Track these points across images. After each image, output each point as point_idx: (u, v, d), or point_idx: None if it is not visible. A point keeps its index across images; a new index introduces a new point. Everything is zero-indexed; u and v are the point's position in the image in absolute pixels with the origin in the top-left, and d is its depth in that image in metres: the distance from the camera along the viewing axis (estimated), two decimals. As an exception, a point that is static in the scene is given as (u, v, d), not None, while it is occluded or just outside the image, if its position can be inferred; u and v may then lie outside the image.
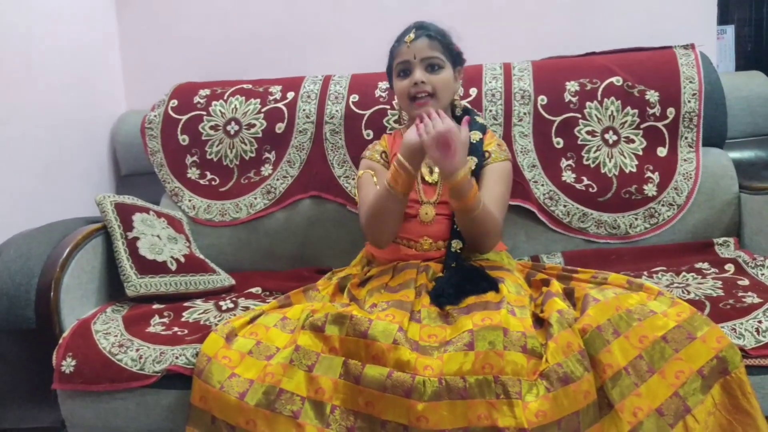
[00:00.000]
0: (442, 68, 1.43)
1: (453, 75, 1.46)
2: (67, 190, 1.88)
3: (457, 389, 1.01)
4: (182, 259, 1.59)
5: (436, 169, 1.44)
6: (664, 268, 1.51)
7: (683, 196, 1.68)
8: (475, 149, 1.44)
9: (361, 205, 1.45)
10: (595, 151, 1.71)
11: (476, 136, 1.46)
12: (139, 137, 1.95)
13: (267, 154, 1.85)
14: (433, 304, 1.22)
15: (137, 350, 1.28)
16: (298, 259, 1.82)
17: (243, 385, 1.12)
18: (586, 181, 1.70)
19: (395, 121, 1.76)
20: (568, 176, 1.71)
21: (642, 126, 1.71)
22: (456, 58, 1.47)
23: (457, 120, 1.52)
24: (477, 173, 1.42)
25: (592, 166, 1.71)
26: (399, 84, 1.44)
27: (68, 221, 1.58)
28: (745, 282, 1.37)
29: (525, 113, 1.75)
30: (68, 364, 1.27)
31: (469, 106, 1.71)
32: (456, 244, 1.38)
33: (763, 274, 1.40)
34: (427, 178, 1.46)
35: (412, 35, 1.41)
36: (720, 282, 1.38)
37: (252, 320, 1.29)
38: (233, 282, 1.67)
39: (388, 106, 1.79)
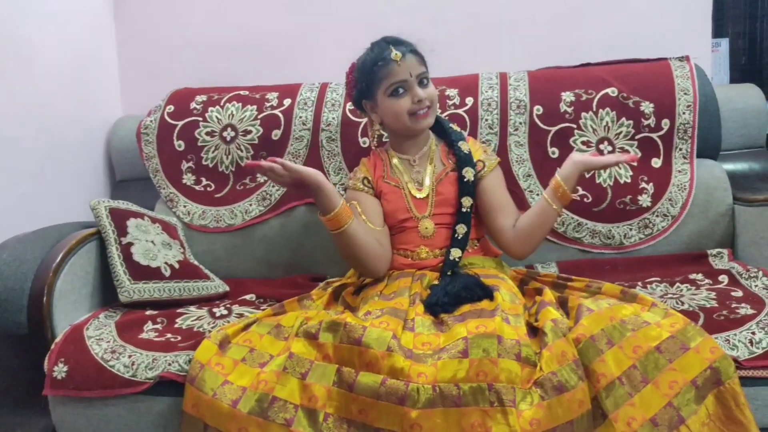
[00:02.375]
0: (429, 81, 1.44)
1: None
2: (61, 194, 1.87)
3: (451, 397, 1.00)
4: (176, 265, 1.59)
5: (426, 183, 1.46)
6: (658, 279, 1.52)
7: (677, 207, 1.69)
8: (469, 160, 1.46)
9: None
10: (590, 162, 1.72)
11: (465, 146, 1.47)
12: (134, 142, 1.95)
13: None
14: (428, 312, 1.22)
15: (130, 356, 1.27)
16: (293, 265, 1.82)
17: (236, 392, 1.11)
18: (580, 191, 1.70)
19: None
20: (564, 186, 1.71)
21: (637, 137, 1.72)
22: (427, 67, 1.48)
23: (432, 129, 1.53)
24: (474, 184, 1.44)
25: (587, 176, 1.71)
26: (396, 103, 1.42)
27: (62, 226, 1.57)
28: (739, 293, 1.37)
29: (521, 123, 1.75)
30: (60, 370, 1.26)
31: (461, 115, 1.72)
32: (455, 253, 1.39)
33: (756, 286, 1.40)
34: (416, 194, 1.46)
35: (398, 53, 1.40)
36: (714, 293, 1.38)
37: (246, 327, 1.28)
38: (227, 288, 1.67)
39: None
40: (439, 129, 1.53)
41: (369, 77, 1.44)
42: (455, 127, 1.54)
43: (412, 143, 1.50)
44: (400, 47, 1.41)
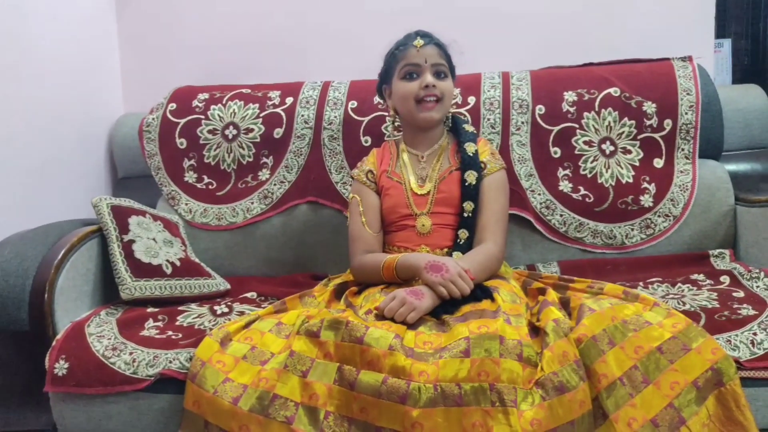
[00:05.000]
0: (447, 77, 1.46)
1: (453, 85, 1.48)
2: (63, 191, 1.87)
3: (453, 396, 1.00)
4: (178, 263, 1.59)
5: (429, 180, 1.47)
6: (660, 279, 1.52)
7: (679, 207, 1.69)
8: (474, 162, 1.46)
9: (351, 239, 1.48)
10: (592, 161, 1.72)
11: (471, 148, 1.47)
12: (136, 140, 1.95)
13: (265, 159, 1.85)
14: (428, 313, 1.21)
15: (131, 354, 1.27)
16: (294, 264, 1.82)
17: (237, 390, 1.11)
18: (582, 191, 1.70)
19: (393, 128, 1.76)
20: (565, 186, 1.71)
21: (639, 137, 1.72)
22: (453, 70, 1.50)
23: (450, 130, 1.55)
24: (478, 186, 1.44)
25: (589, 176, 1.71)
26: (405, 86, 1.45)
27: (64, 223, 1.57)
28: (741, 294, 1.37)
29: (523, 122, 1.75)
30: (61, 367, 1.26)
31: (462, 113, 1.72)
32: (456, 256, 1.39)
33: (758, 287, 1.40)
34: (417, 190, 1.47)
35: (420, 41, 1.44)
36: (715, 294, 1.38)
37: (247, 325, 1.28)
38: (228, 286, 1.67)
39: (387, 113, 1.79)
40: (454, 127, 1.54)
41: (389, 60, 1.49)
42: (468, 128, 1.54)
43: (423, 138, 1.51)
44: (425, 38, 1.45)
